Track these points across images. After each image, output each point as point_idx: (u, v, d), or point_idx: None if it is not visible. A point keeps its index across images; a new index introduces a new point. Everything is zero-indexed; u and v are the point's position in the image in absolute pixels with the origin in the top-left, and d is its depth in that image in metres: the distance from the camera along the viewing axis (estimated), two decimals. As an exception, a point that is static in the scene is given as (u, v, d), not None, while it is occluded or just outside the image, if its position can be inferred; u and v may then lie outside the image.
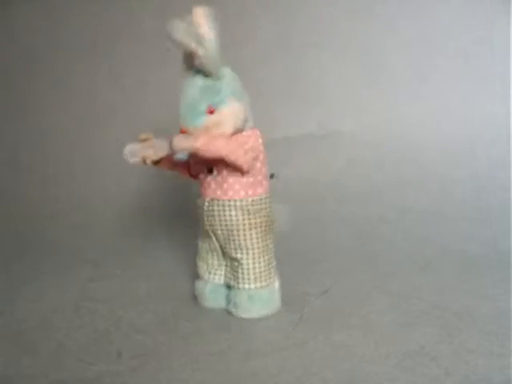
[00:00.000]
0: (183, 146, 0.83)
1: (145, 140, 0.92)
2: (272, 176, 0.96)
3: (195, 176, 0.94)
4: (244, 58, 1.53)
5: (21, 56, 1.69)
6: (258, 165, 0.89)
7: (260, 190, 0.91)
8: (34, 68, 1.68)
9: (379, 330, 0.87)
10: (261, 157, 0.90)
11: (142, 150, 0.91)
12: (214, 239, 0.94)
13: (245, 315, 0.92)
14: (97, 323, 0.92)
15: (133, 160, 0.92)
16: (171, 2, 1.56)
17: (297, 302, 0.99)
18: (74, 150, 1.66)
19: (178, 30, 0.80)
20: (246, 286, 0.92)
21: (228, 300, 0.95)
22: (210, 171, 0.89)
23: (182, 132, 0.84)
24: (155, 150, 0.91)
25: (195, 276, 1.10)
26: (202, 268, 0.99)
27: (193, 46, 0.80)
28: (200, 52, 0.80)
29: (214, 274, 0.97)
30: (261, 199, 0.91)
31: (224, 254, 0.95)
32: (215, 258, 0.97)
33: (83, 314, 0.96)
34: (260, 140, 0.89)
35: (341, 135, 1.53)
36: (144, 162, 0.92)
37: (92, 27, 1.63)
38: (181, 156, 0.84)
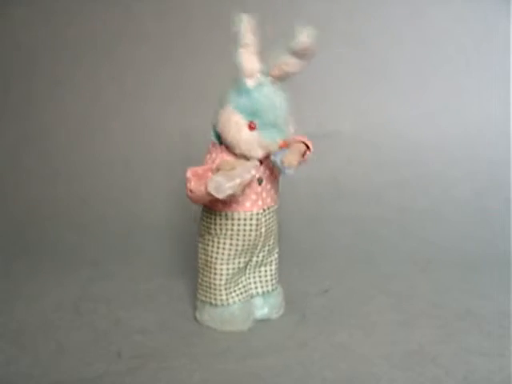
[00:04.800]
0: (297, 162, 0.80)
1: (231, 169, 0.79)
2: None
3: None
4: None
5: (21, 56, 1.69)
6: None
7: None
8: (34, 68, 1.68)
9: (379, 329, 0.87)
10: None
11: (235, 179, 0.76)
12: (253, 253, 0.90)
13: (280, 313, 0.95)
14: (97, 323, 0.92)
15: (226, 194, 0.75)
16: (172, 3, 1.56)
17: (297, 301, 0.99)
18: (74, 149, 1.65)
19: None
20: (277, 284, 0.96)
21: (264, 307, 0.93)
22: (260, 183, 0.85)
23: (283, 145, 0.80)
24: (246, 170, 0.79)
25: (195, 276, 1.10)
26: (232, 293, 0.90)
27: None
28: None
29: (245, 292, 0.92)
30: None
31: (249, 266, 0.92)
32: (240, 276, 0.92)
33: (83, 314, 0.96)
34: None
35: (341, 135, 1.53)
36: (240, 191, 0.79)
37: (93, 28, 1.63)
38: (291, 172, 0.80)
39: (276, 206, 0.90)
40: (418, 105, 1.50)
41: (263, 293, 0.93)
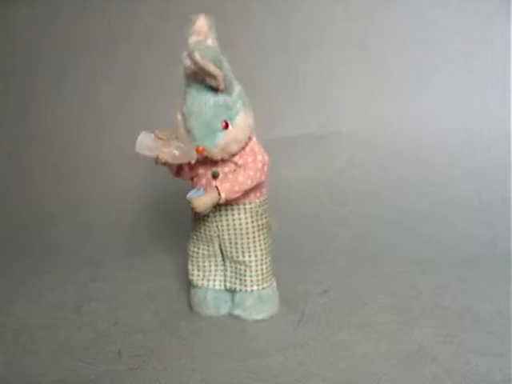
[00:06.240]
0: (208, 205, 0.83)
1: (161, 139, 0.85)
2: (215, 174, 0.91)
3: (180, 175, 0.93)
4: (244, 58, 1.53)
5: (21, 56, 1.69)
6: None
7: (264, 191, 0.92)
8: (34, 68, 1.68)
9: (379, 330, 0.87)
10: None
11: (158, 149, 0.84)
12: (216, 244, 0.93)
13: (257, 317, 0.92)
14: (97, 323, 0.92)
15: (144, 153, 0.85)
16: (172, 3, 1.56)
17: (297, 301, 0.99)
18: (74, 150, 1.66)
19: (207, 52, 0.77)
20: (255, 287, 0.92)
21: (234, 304, 0.94)
22: (214, 176, 0.87)
23: (199, 151, 0.81)
24: (172, 154, 0.83)
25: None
26: (198, 276, 0.95)
27: (211, 68, 0.77)
28: (218, 74, 0.78)
29: (213, 281, 0.95)
30: (265, 199, 0.92)
31: (225, 258, 0.94)
32: (212, 263, 0.95)
33: (83, 314, 0.96)
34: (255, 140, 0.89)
35: (341, 135, 1.53)
36: (156, 161, 0.85)
37: (93, 27, 1.63)
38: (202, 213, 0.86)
39: (246, 206, 0.89)
40: (418, 105, 1.50)
41: (235, 289, 0.94)
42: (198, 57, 0.75)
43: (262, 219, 0.91)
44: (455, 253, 1.22)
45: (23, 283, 1.12)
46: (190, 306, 0.97)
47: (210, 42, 0.82)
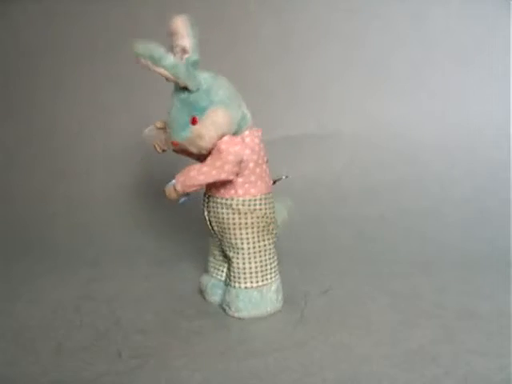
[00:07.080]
0: (174, 196, 0.89)
1: (160, 128, 0.92)
2: (281, 178, 1.01)
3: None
4: (244, 58, 1.53)
5: (22, 56, 1.69)
6: (251, 165, 0.88)
7: (253, 191, 0.90)
8: (35, 68, 1.68)
9: (379, 329, 0.87)
10: (255, 158, 0.88)
11: (157, 137, 0.92)
12: (214, 234, 0.95)
13: (235, 314, 0.92)
14: (97, 323, 0.92)
15: (148, 143, 0.93)
16: (172, 2, 1.56)
17: (297, 301, 0.99)
18: (74, 149, 1.66)
19: (137, 50, 0.80)
20: (237, 284, 0.93)
21: (222, 297, 0.96)
22: None
23: (173, 144, 0.88)
24: (167, 140, 0.91)
25: (195, 276, 1.11)
26: (210, 262, 1.00)
27: (150, 66, 0.80)
28: (159, 71, 0.80)
29: (217, 270, 0.99)
30: (254, 200, 0.90)
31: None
32: (221, 253, 0.98)
33: (83, 314, 0.96)
34: (256, 140, 0.89)
35: (341, 135, 1.53)
36: (155, 148, 0.93)
37: (93, 28, 1.63)
38: (183, 201, 0.91)
39: (227, 202, 0.89)
40: (418, 105, 1.50)
41: (222, 281, 0.97)
42: (137, 55, 0.80)
43: (246, 218, 0.90)
44: (455, 253, 1.22)
45: (23, 283, 1.12)
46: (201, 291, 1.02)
47: (185, 42, 0.83)
